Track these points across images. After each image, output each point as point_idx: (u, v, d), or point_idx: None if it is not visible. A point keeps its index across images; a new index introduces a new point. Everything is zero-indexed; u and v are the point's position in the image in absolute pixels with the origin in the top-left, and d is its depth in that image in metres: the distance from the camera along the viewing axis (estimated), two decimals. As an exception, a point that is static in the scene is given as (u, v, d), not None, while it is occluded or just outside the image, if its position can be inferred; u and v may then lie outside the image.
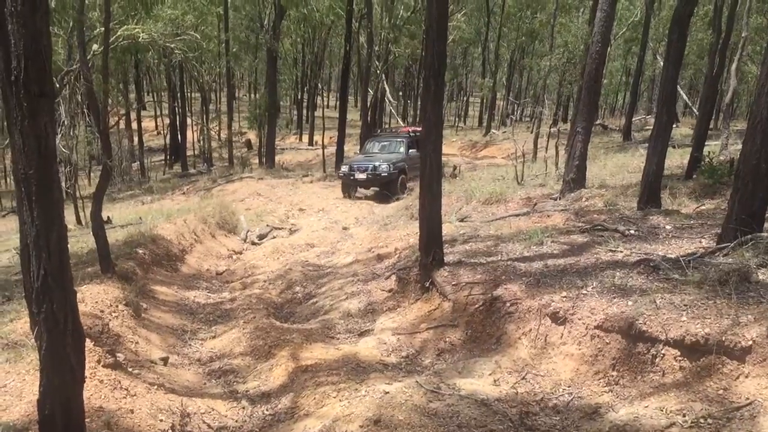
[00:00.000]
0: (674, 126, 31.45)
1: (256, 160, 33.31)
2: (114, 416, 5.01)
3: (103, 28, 19.03)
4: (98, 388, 5.32)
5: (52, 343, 3.43)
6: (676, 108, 42.76)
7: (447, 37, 7.40)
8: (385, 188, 20.00)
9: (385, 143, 22.26)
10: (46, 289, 3.33)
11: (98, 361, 5.83)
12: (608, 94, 53.76)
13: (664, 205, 10.12)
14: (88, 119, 16.99)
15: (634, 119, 29.78)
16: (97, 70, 13.94)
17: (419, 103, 42.06)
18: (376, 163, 19.77)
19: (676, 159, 15.82)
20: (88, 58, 12.68)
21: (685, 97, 38.62)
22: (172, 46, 22.33)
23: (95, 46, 18.39)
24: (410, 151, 20.88)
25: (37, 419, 3.66)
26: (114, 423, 4.92)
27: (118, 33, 19.41)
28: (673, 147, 18.71)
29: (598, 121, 37.07)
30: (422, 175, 7.88)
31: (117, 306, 8.17)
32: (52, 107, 3.14)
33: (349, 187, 20.60)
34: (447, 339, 7.08)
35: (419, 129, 22.58)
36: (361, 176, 19.82)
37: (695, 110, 37.58)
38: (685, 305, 5.48)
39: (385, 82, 29.95)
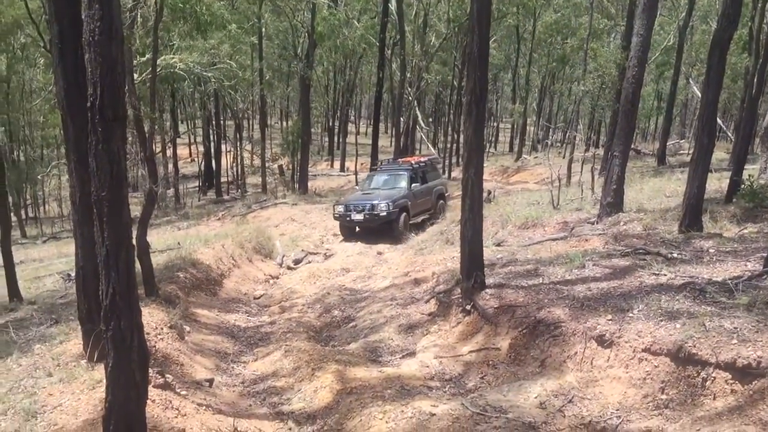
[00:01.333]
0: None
1: (289, 187, 33.68)
2: (167, 434, 5.11)
3: (143, 58, 19.63)
4: (151, 407, 5.41)
5: (118, 360, 3.54)
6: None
7: (488, 64, 7.49)
8: (386, 228, 18.01)
9: (386, 177, 20.06)
10: (115, 308, 3.44)
11: (149, 381, 5.93)
12: (640, 118, 53.38)
13: (705, 228, 10.02)
14: (131, 147, 17.41)
15: (669, 144, 29.54)
16: (140, 97, 14.36)
17: (450, 129, 42.30)
18: (374, 202, 17.85)
19: (714, 183, 15.63)
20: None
21: (719, 120, 38.17)
22: (209, 75, 22.82)
23: (136, 76, 18.86)
24: (413, 185, 19.14)
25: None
26: (168, 441, 5.01)
27: (157, 62, 19.90)
28: (710, 171, 18.51)
29: (631, 146, 36.88)
30: (464, 197, 7.94)
31: (162, 329, 8.32)
32: (124, 132, 3.28)
33: (348, 230, 18.88)
34: (490, 362, 7.07)
35: (424, 159, 21.75)
36: (358, 217, 18.01)
37: (729, 134, 37.16)
38: (735, 328, 5.43)
39: (417, 109, 30.14)
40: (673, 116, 43.68)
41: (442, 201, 20.99)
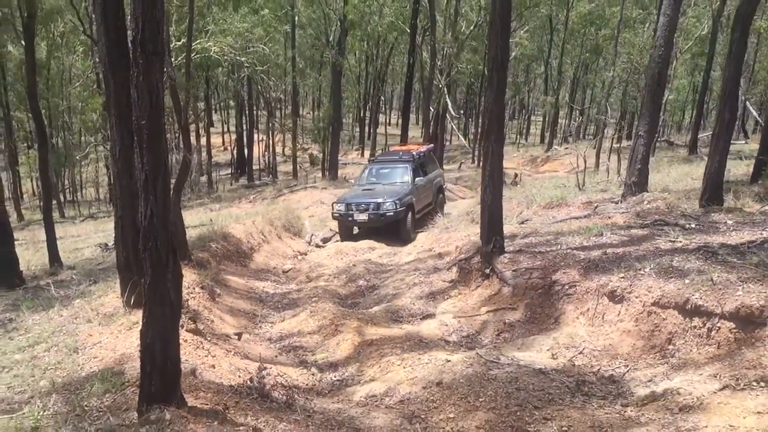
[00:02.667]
0: (744, 141, 30.86)
1: (319, 174, 34.16)
2: (198, 368, 5.47)
3: (178, 43, 20.13)
4: (183, 346, 5.77)
5: (155, 278, 3.88)
6: (746, 125, 41.77)
7: (510, 32, 7.72)
8: (393, 229, 16.17)
9: (386, 170, 18.08)
10: (152, 228, 3.78)
11: (182, 326, 6.30)
12: (674, 111, 52.82)
13: (728, 205, 10.11)
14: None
15: (700, 136, 29.29)
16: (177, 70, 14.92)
17: (480, 119, 42.31)
18: (379, 200, 15.90)
19: (743, 168, 15.66)
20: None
21: (755, 113, 37.64)
22: (242, 59, 23.30)
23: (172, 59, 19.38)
24: (417, 179, 17.19)
25: (140, 347, 4.12)
26: (199, 373, 5.37)
27: (192, 47, 20.40)
28: (741, 159, 18.47)
29: (663, 137, 36.60)
30: (484, 165, 8.19)
31: (194, 288, 8.71)
32: (162, 65, 3.62)
33: (347, 230, 16.89)
34: (506, 320, 7.33)
35: (423, 148, 19.60)
36: (362, 217, 16.00)
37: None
38: (741, 281, 5.62)
39: (447, 96, 30.26)
40: (708, 109, 43.26)
41: (441, 195, 19.44)
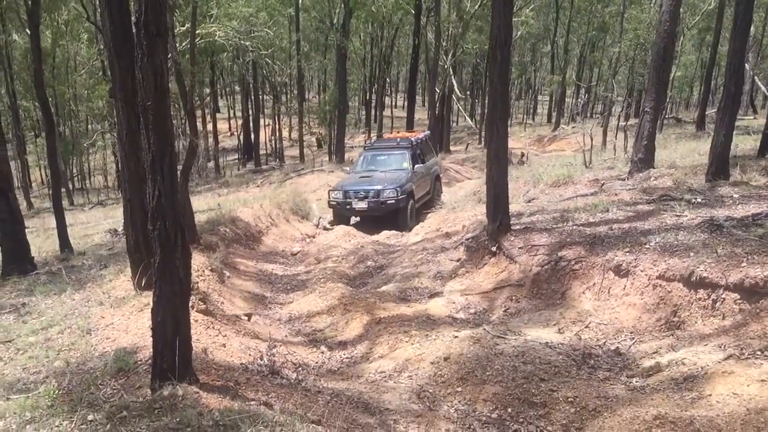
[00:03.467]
0: (752, 117, 30.62)
1: (326, 157, 34.19)
2: (209, 347, 5.56)
3: (182, 28, 20.11)
4: (194, 326, 5.85)
5: (164, 257, 3.95)
6: (755, 101, 41.44)
7: (512, 9, 7.71)
8: (393, 218, 15.39)
9: (384, 156, 17.27)
10: (160, 208, 3.84)
11: (192, 306, 6.38)
12: (682, 88, 52.40)
13: (734, 179, 10.10)
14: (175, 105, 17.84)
15: (708, 112, 29.11)
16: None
17: (487, 100, 42.17)
18: (379, 187, 15.18)
19: (750, 143, 15.59)
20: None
21: (764, 88, 37.32)
22: (247, 44, 23.25)
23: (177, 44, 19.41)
24: (416, 166, 16.47)
25: (151, 326, 4.20)
26: (210, 351, 5.46)
27: (197, 32, 20.43)
28: (749, 134, 18.40)
29: (671, 114, 36.32)
30: (489, 143, 8.22)
31: (203, 271, 8.79)
32: (166, 46, 3.66)
33: (344, 219, 16.20)
34: (513, 297, 7.39)
35: (421, 135, 18.89)
36: (361, 205, 15.27)
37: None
38: (746, 253, 5.65)
39: (452, 77, 30.19)
40: (716, 85, 42.90)
41: (438, 182, 18.78)
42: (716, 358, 4.73)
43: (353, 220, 16.40)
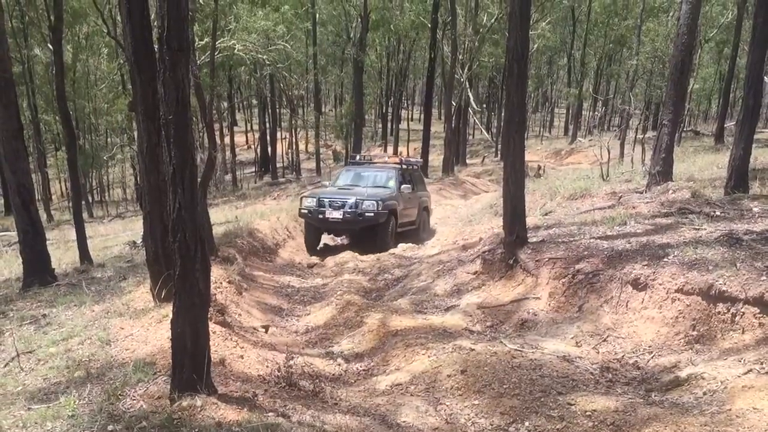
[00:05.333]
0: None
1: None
2: (227, 358, 5.60)
3: (201, 42, 20.37)
4: (212, 337, 5.89)
5: (184, 268, 4.00)
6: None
7: (530, 22, 7.76)
8: (371, 234, 13.96)
9: (368, 174, 15.79)
10: (180, 221, 3.90)
11: (210, 318, 6.43)
12: (701, 101, 52.17)
13: (753, 192, 10.04)
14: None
15: (727, 125, 28.96)
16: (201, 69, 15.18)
17: (503, 114, 42.19)
18: (358, 198, 13.75)
19: (770, 156, 15.55)
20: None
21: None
22: (264, 57, 23.52)
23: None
24: (403, 186, 15.01)
25: (170, 337, 4.25)
26: (228, 362, 5.50)
27: (216, 46, 20.71)
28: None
29: (690, 127, 36.17)
30: (506, 156, 8.23)
31: (222, 283, 8.84)
32: (187, 61, 3.72)
33: (315, 234, 14.66)
34: (530, 310, 7.36)
35: (413, 160, 17.88)
36: (335, 215, 13.64)
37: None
38: (765, 267, 5.62)
39: (468, 90, 30.28)
40: (735, 98, 42.62)
41: (425, 214, 17.13)
42: (736, 373, 4.69)
43: (324, 240, 15.16)
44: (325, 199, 13.93)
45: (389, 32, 34.56)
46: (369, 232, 13.90)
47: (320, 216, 13.82)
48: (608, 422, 4.51)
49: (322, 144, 37.60)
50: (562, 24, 47.63)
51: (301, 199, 14.66)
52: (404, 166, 16.21)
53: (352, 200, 13.72)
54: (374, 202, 13.63)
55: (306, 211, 14.10)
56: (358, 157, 18.10)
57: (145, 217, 6.94)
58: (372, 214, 13.54)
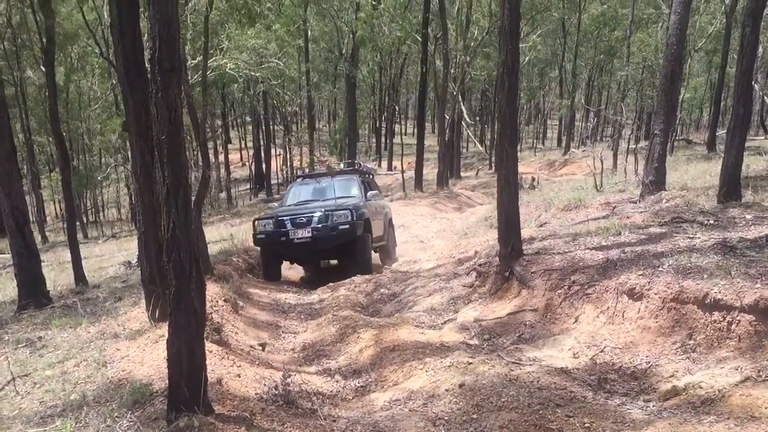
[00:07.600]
0: (764, 137, 30.58)
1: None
2: (224, 377, 5.58)
3: (194, 61, 20.44)
4: (209, 356, 5.86)
5: (179, 288, 4.00)
6: (766, 121, 41.34)
7: (519, 36, 7.82)
8: (348, 253, 11.96)
9: (325, 185, 13.38)
10: (175, 240, 3.90)
11: (206, 337, 6.41)
12: (692, 110, 52.48)
13: (746, 200, 10.08)
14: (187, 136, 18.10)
15: (719, 133, 29.13)
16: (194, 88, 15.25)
17: (496, 126, 42.36)
18: (327, 210, 11.71)
19: (762, 164, 15.63)
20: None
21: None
22: (257, 75, 23.60)
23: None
24: (369, 193, 13.15)
25: (166, 357, 4.23)
26: (225, 382, 5.48)
27: (208, 65, 20.79)
28: (760, 154, 18.38)
29: (682, 136, 36.32)
30: (499, 168, 8.27)
31: (217, 301, 8.84)
32: (179, 81, 3.74)
33: (274, 260, 12.41)
34: (527, 322, 7.37)
35: (369, 166, 16.29)
36: (302, 234, 11.46)
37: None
38: (759, 274, 5.63)
39: (461, 104, 30.41)
40: (726, 106, 42.90)
41: (391, 230, 15.11)
42: (733, 381, 4.70)
43: (286, 269, 13.06)
44: (285, 218, 11.71)
45: (377, 48, 34.75)
46: (347, 247, 11.75)
47: (282, 239, 11.59)
48: (607, 433, 4.50)
49: (317, 160, 37.64)
50: (553, 36, 47.95)
51: (254, 222, 12.29)
52: (365, 173, 14.45)
53: (319, 213, 11.62)
54: (347, 211, 11.58)
55: (263, 236, 11.86)
56: (307, 170, 15.40)
57: (140, 237, 6.94)
58: (347, 227, 11.43)
